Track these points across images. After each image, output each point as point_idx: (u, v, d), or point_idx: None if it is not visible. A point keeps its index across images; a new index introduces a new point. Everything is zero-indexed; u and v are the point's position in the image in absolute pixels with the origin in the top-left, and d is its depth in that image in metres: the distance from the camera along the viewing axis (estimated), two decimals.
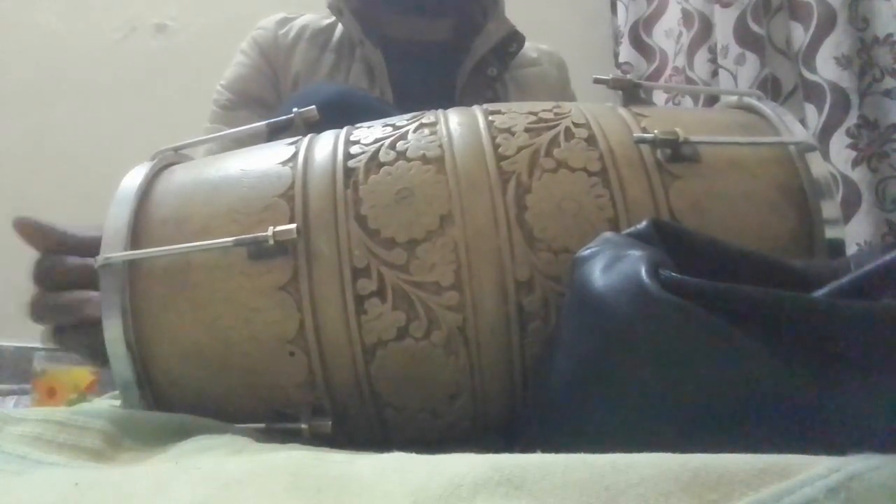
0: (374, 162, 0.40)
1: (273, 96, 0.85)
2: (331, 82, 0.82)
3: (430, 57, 0.86)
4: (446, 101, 0.82)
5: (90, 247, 0.45)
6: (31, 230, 0.44)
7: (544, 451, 0.23)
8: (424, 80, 0.84)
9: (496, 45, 0.85)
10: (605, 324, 0.29)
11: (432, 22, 0.87)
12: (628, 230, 0.34)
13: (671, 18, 1.51)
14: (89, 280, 0.43)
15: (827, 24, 1.15)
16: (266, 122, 0.49)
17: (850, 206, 1.10)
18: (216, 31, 0.94)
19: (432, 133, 0.41)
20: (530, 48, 0.93)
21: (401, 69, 0.83)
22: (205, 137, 0.56)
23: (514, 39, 0.86)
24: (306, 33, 0.87)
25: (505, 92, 0.87)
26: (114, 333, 0.38)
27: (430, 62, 0.86)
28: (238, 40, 0.90)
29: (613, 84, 0.47)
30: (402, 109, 0.78)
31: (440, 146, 0.40)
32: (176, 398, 0.40)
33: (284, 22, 0.89)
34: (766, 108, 0.45)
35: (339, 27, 0.86)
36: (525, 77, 0.90)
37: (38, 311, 0.43)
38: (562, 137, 0.41)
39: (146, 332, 0.39)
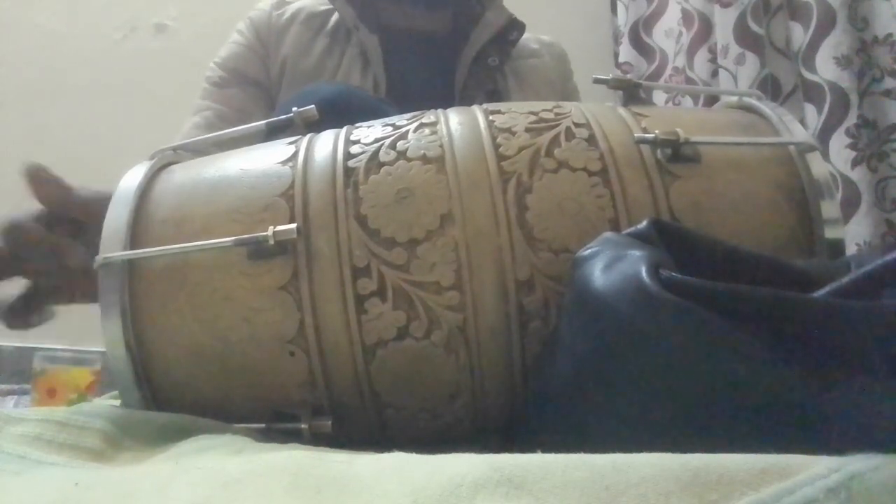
0: (374, 161, 0.40)
1: (264, 75, 0.85)
2: (330, 82, 0.81)
3: (428, 47, 0.86)
4: (443, 92, 0.82)
5: (92, 206, 0.45)
6: (40, 179, 0.45)
7: (544, 450, 0.23)
8: (421, 70, 0.84)
9: (496, 35, 0.84)
10: (605, 324, 0.29)
11: (430, 12, 0.87)
12: (629, 230, 0.34)
13: (671, 18, 1.50)
14: (48, 254, 0.44)
15: (827, 24, 1.15)
16: (265, 121, 0.49)
17: (849, 206, 1.10)
18: (216, 31, 0.94)
19: (433, 133, 0.41)
20: (531, 39, 0.92)
21: (397, 57, 0.83)
22: (204, 136, 0.56)
23: (514, 27, 0.86)
24: (301, 16, 0.87)
25: (505, 83, 0.86)
26: (113, 333, 0.38)
27: (428, 52, 0.85)
28: None
29: (614, 84, 0.47)
30: (397, 99, 0.78)
31: (441, 146, 0.40)
32: (176, 398, 0.40)
33: (280, 4, 0.89)
34: (766, 108, 0.45)
35: (336, 13, 0.86)
36: (524, 68, 0.89)
37: None
38: (562, 137, 0.41)
39: (146, 332, 0.39)
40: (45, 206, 0.46)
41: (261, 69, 0.85)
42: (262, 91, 0.85)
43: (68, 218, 0.46)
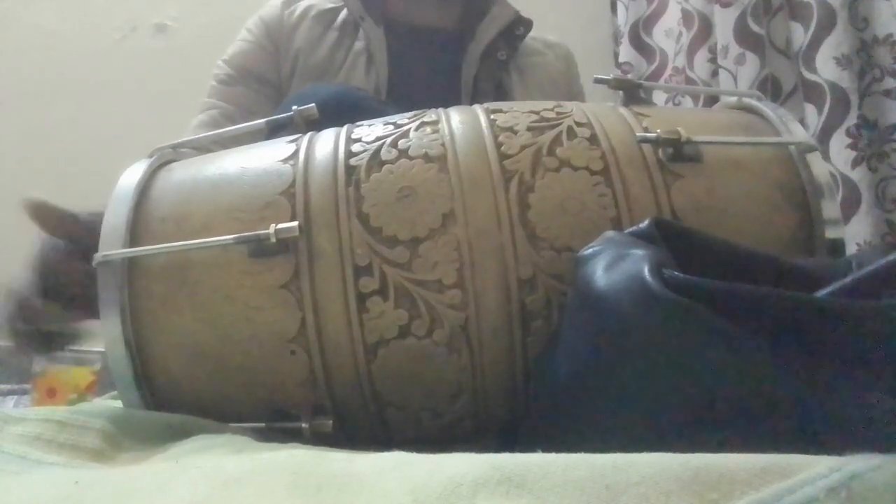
0: (375, 160, 0.40)
1: (273, 74, 0.86)
2: (330, 83, 0.82)
3: (434, 42, 0.87)
4: (447, 88, 0.82)
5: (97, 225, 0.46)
6: (43, 214, 0.45)
7: (545, 449, 0.23)
8: (426, 66, 0.85)
9: (503, 29, 0.86)
10: (607, 322, 0.29)
11: (439, 8, 0.88)
12: (630, 229, 0.34)
13: (671, 18, 1.50)
14: (84, 278, 0.44)
15: (827, 24, 1.15)
16: (266, 119, 0.49)
17: (849, 206, 1.09)
18: (216, 31, 0.94)
19: (434, 131, 0.41)
20: (536, 40, 0.93)
21: (402, 51, 0.84)
22: (203, 135, 0.56)
23: (521, 23, 0.87)
24: (311, 12, 0.88)
25: (509, 79, 0.87)
26: (113, 332, 0.38)
27: (433, 47, 0.86)
28: None
29: (615, 84, 0.47)
30: (400, 94, 0.78)
31: (442, 144, 0.40)
32: (176, 398, 0.40)
33: (291, 2, 0.90)
34: (767, 108, 0.45)
35: (345, 9, 0.88)
36: (527, 65, 0.90)
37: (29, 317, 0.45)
38: (564, 136, 0.41)
39: (145, 331, 0.39)
40: (56, 237, 0.46)
41: (269, 67, 0.86)
42: (270, 88, 0.85)
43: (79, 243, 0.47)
